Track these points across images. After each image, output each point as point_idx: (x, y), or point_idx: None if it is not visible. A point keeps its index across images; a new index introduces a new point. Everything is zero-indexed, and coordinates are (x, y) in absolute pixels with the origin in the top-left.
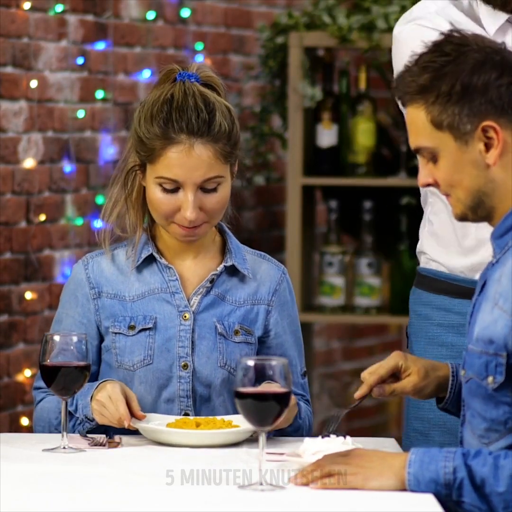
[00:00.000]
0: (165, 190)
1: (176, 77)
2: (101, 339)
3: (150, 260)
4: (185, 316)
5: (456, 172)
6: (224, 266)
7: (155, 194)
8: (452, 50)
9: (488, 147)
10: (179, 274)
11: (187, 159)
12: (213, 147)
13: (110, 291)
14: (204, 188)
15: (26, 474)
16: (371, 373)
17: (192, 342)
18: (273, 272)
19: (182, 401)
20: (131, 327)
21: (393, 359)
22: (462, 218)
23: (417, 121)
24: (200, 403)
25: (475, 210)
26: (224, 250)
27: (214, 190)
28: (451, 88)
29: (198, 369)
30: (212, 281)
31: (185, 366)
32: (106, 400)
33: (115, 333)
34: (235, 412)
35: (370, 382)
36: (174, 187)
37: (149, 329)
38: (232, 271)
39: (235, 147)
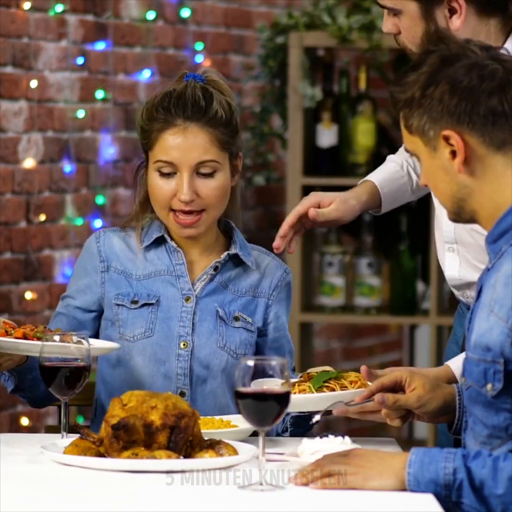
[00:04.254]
0: (162, 175)
1: (184, 77)
2: (101, 310)
3: (159, 242)
4: (188, 299)
5: (430, 176)
6: (228, 254)
7: (154, 180)
8: (433, 59)
9: (454, 154)
10: (187, 259)
11: (182, 141)
12: (208, 131)
13: (119, 267)
14: (200, 172)
15: (26, 474)
16: (375, 381)
17: (193, 324)
18: (276, 269)
19: (179, 379)
20: (134, 302)
21: (399, 371)
22: (453, 220)
23: (401, 124)
24: (196, 384)
25: (459, 214)
26: (229, 247)
27: (211, 176)
28: (413, 95)
29: (197, 349)
30: (216, 269)
31: (185, 345)
32: None
33: (118, 304)
34: (231, 396)
35: (371, 388)
36: (171, 171)
37: (151, 304)
38: (236, 261)
39: (233, 136)
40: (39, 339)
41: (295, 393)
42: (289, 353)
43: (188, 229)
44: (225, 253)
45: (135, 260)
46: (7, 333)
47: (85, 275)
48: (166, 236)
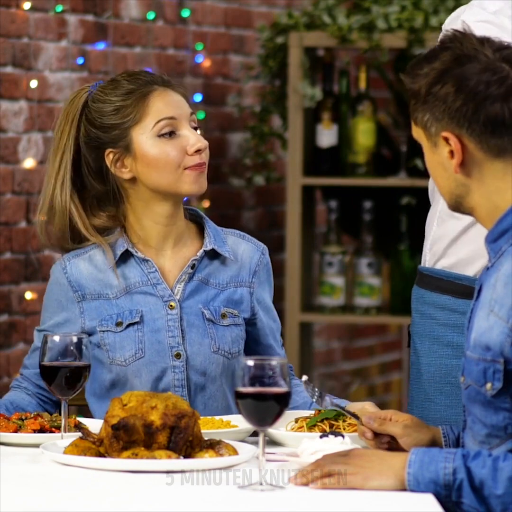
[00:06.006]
0: (164, 137)
1: (90, 90)
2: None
3: (126, 257)
4: (171, 305)
5: (431, 169)
6: (204, 251)
7: (159, 147)
8: (446, 57)
9: (453, 154)
10: (159, 266)
11: (170, 98)
12: (178, 90)
13: (93, 292)
14: (190, 126)
15: (26, 474)
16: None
17: (182, 330)
18: (253, 252)
19: (177, 391)
20: (119, 324)
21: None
22: (453, 210)
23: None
24: (195, 392)
25: (458, 208)
26: (201, 236)
27: (196, 129)
28: (420, 89)
29: (192, 357)
30: (193, 267)
31: (178, 356)
32: None
33: (103, 331)
34: (232, 396)
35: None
36: (171, 130)
37: (136, 323)
38: (213, 254)
39: None
40: (58, 428)
41: (293, 429)
42: (277, 331)
43: (201, 180)
44: (201, 251)
45: (106, 279)
46: (19, 427)
47: (61, 309)
48: (130, 249)
